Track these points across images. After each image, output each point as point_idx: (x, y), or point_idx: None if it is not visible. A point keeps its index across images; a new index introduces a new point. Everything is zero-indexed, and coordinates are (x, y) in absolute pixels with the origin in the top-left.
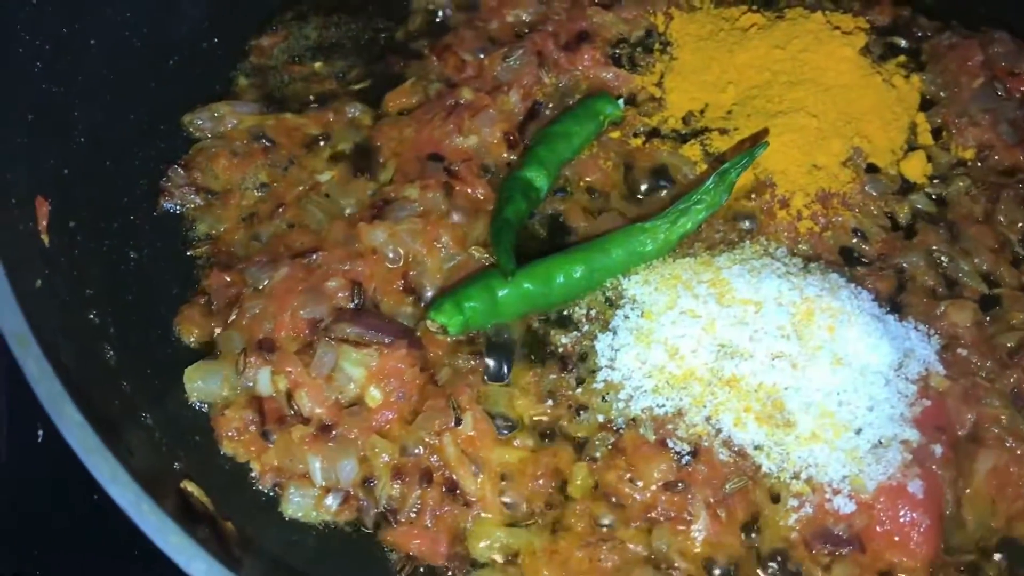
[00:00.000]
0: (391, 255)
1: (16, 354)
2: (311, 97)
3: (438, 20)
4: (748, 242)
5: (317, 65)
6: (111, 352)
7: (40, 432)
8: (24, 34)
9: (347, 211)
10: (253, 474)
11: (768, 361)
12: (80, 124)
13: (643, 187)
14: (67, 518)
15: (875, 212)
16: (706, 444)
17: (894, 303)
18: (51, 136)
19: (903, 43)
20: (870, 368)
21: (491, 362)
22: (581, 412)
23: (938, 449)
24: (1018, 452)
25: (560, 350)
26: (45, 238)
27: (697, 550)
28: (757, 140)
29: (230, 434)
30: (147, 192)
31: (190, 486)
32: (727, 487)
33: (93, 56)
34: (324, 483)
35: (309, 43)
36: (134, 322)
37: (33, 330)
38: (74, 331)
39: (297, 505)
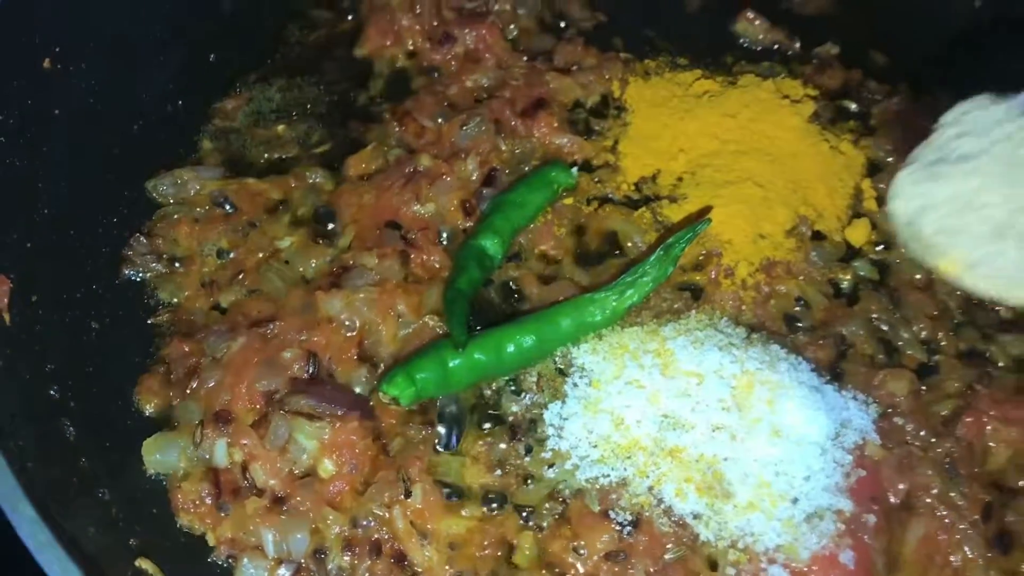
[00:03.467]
0: (347, 324)
1: None
2: (274, 160)
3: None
4: (694, 311)
5: (280, 128)
6: (71, 427)
7: None
8: None
9: (305, 278)
10: (209, 545)
11: (709, 432)
12: (44, 195)
13: (595, 254)
14: None
15: (818, 279)
16: (647, 514)
17: (834, 371)
18: (15, 211)
19: (853, 107)
20: (807, 439)
21: (442, 430)
22: (529, 481)
23: (871, 519)
24: (947, 520)
25: (510, 418)
26: (6, 316)
27: None
28: (703, 214)
29: (186, 506)
30: (109, 260)
31: (145, 563)
32: (666, 556)
33: (58, 126)
34: (276, 555)
35: (272, 105)
36: (94, 394)
37: None
38: (34, 410)
39: None
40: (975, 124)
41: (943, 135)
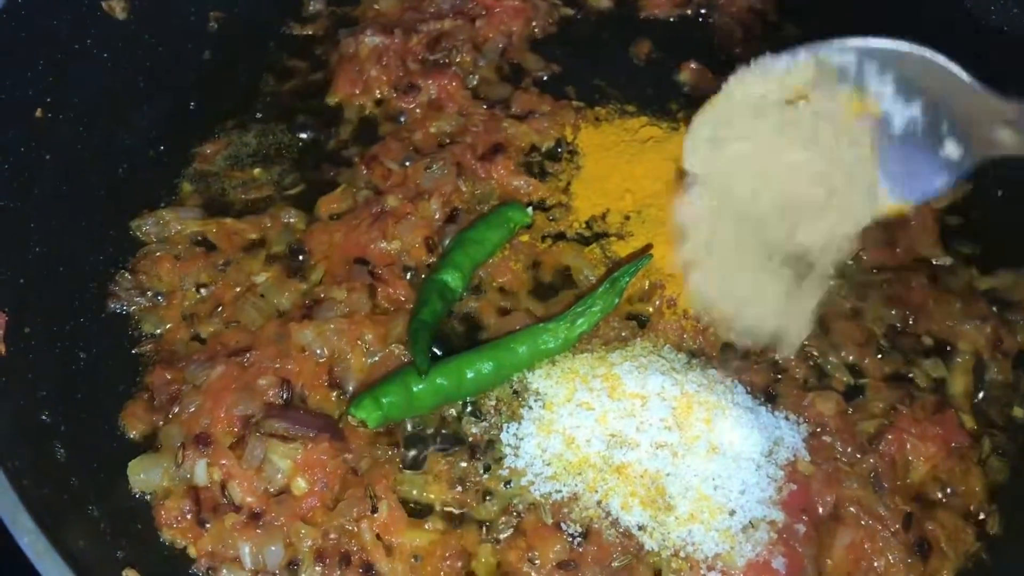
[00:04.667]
0: (318, 353)
1: None
2: (250, 201)
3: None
4: (639, 339)
5: (256, 171)
6: (61, 450)
7: None
8: None
9: (280, 310)
10: (190, 558)
11: (652, 450)
12: (35, 235)
13: (549, 287)
14: None
15: None
16: (596, 526)
17: (768, 393)
18: (8, 250)
19: None
20: (742, 456)
21: (409, 451)
22: (487, 497)
23: (801, 528)
24: (872, 530)
25: (470, 439)
26: (2, 347)
27: None
28: (647, 250)
29: (169, 522)
30: (96, 295)
31: (131, 573)
32: (614, 564)
33: (48, 170)
34: (253, 567)
35: (249, 150)
36: (83, 419)
37: None
38: (28, 433)
39: None
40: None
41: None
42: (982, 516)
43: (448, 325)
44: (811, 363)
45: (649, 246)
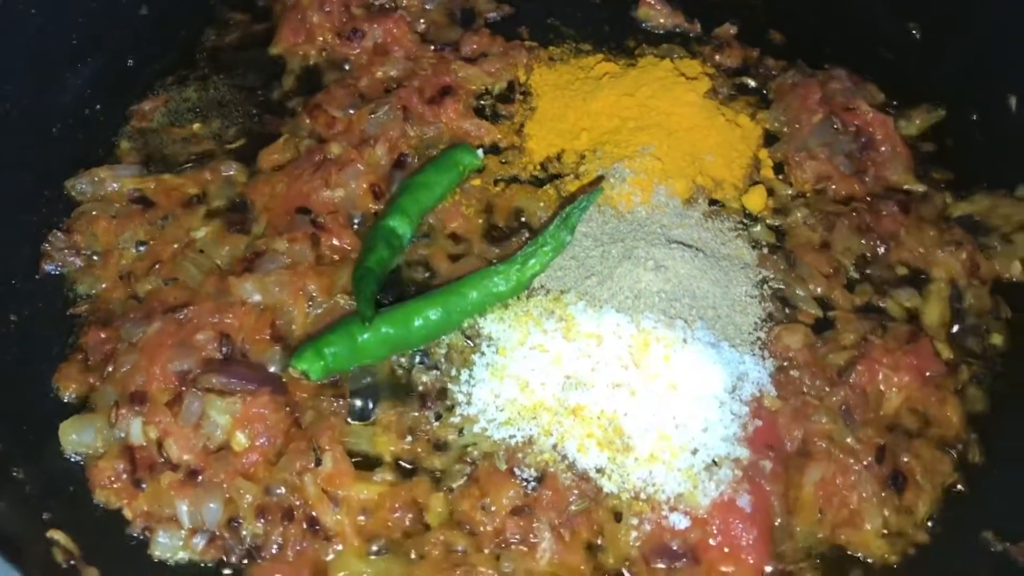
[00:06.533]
0: (259, 306)
1: None
2: (190, 157)
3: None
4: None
5: (196, 126)
6: None
7: None
8: None
9: (220, 265)
10: (126, 520)
11: (608, 390)
12: None
13: (503, 231)
14: None
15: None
16: (551, 470)
17: None
18: None
19: (751, 83)
20: (704, 392)
21: (356, 402)
22: (439, 446)
23: (767, 465)
24: (843, 464)
25: (420, 388)
26: None
27: (543, 570)
28: (597, 183)
29: (103, 483)
30: (29, 257)
31: (57, 535)
32: (571, 508)
33: None
34: (191, 525)
35: (189, 105)
36: (12, 382)
37: None
38: None
39: (165, 547)
40: None
41: None
42: (961, 446)
43: (399, 273)
44: (777, 296)
45: (600, 178)
